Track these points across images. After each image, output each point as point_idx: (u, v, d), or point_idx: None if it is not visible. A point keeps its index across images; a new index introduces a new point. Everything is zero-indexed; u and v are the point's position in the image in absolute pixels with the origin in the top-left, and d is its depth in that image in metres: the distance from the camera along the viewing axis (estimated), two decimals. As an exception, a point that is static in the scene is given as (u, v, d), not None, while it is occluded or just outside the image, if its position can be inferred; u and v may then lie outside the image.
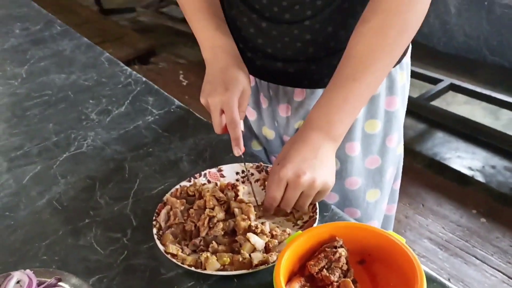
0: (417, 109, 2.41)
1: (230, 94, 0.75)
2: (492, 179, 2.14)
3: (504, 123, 2.44)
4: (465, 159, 2.28)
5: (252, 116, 0.98)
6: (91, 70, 1.28)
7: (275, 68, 0.85)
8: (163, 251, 0.68)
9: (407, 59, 0.90)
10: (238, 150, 0.75)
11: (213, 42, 0.81)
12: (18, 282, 0.55)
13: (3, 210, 0.83)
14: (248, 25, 0.83)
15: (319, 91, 0.86)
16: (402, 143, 0.98)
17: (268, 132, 0.97)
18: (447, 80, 2.51)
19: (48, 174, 0.91)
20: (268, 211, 0.72)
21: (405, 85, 0.91)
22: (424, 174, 2.19)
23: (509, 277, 1.66)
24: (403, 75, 0.88)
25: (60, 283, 0.56)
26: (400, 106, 0.90)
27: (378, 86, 0.74)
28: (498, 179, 2.14)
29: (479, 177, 2.15)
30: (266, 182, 0.80)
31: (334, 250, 0.61)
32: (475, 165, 2.23)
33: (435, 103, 2.48)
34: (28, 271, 0.56)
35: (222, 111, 0.76)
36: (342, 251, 0.61)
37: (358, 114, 0.74)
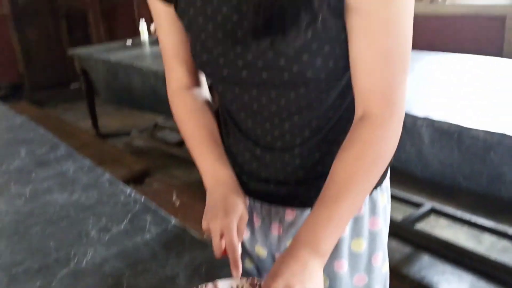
0: (402, 232, 2.48)
1: (229, 220, 0.82)
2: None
3: (487, 247, 2.50)
4: (452, 282, 2.29)
5: (245, 234, 1.04)
6: (93, 189, 1.36)
7: (268, 190, 0.94)
8: None
9: (387, 182, 1.00)
10: (236, 272, 0.80)
11: (214, 172, 0.91)
12: None
13: (1, 325, 0.84)
14: (244, 152, 0.94)
15: (308, 211, 0.94)
16: (387, 262, 1.03)
17: (261, 250, 1.03)
18: (428, 204, 2.62)
19: (47, 290, 0.93)
20: (261, 324, 0.76)
21: (386, 206, 0.99)
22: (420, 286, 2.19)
23: None
24: (383, 197, 0.98)
25: None
26: (383, 226, 0.98)
27: (359, 206, 0.82)
28: (486, 303, 2.14)
29: (468, 302, 2.15)
30: (259, 297, 0.84)
31: None
32: (463, 290, 2.24)
33: (420, 226, 2.56)
34: None
35: (222, 236, 0.83)
36: None
37: (342, 232, 0.81)
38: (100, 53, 3.76)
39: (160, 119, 4.64)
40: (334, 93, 0.84)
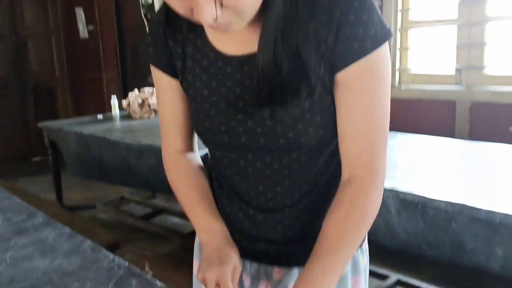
0: (370, 304, 2.51)
1: (224, 269, 0.88)
2: None
3: (452, 319, 2.57)
4: None
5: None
6: (75, 256, 1.37)
7: (258, 248, 1.01)
8: None
9: (366, 245, 1.08)
10: None
11: (209, 227, 0.97)
12: None
13: None
14: (237, 212, 1.01)
15: (295, 270, 1.00)
16: (368, 321, 1.09)
17: (250, 309, 1.07)
18: (394, 276, 2.70)
19: None
20: None
21: (366, 267, 1.07)
22: None
23: None
24: (364, 258, 1.06)
25: None
26: (363, 285, 1.05)
27: (348, 260, 0.90)
28: None
29: None
30: None
31: None
32: None
33: (386, 298, 2.61)
34: None
35: (217, 285, 0.88)
36: None
37: (334, 283, 0.88)
38: (71, 126, 3.81)
39: (125, 192, 4.62)
40: (321, 159, 0.94)
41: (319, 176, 0.96)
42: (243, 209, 1.01)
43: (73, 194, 4.80)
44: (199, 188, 1.04)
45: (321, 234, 0.88)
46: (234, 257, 0.92)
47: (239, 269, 0.92)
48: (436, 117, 3.22)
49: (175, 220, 4.11)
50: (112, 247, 2.44)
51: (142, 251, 2.78)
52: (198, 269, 0.92)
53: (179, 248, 3.60)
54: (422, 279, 2.74)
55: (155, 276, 1.22)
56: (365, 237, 1.07)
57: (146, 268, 2.46)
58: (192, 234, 1.26)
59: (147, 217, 4.09)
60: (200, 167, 1.08)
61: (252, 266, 1.04)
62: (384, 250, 2.17)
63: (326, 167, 0.97)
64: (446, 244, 1.69)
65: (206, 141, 0.99)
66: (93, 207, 4.34)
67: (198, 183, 1.05)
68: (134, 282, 1.21)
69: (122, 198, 4.53)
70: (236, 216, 1.02)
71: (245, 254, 1.04)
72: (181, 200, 1.05)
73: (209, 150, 1.03)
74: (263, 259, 1.03)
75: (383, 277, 2.71)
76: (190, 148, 1.09)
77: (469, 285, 2.78)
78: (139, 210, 4.34)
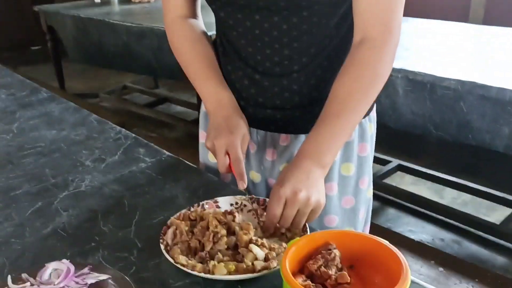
0: (370, 187, 2.59)
1: (234, 137, 0.87)
2: (441, 251, 2.29)
3: (448, 201, 2.66)
4: (416, 232, 2.44)
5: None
6: (81, 127, 1.37)
7: (265, 115, 0.99)
8: (173, 262, 0.75)
9: (374, 113, 1.07)
10: (243, 184, 0.86)
11: (216, 95, 0.95)
12: (55, 270, 0.60)
13: (9, 237, 0.87)
14: (242, 78, 0.98)
15: (302, 137, 1.00)
16: (371, 188, 1.11)
17: (255, 176, 1.08)
18: (395, 161, 2.75)
19: (50, 209, 0.96)
20: (268, 229, 0.82)
21: (373, 135, 1.07)
22: (384, 233, 2.32)
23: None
24: (371, 126, 1.05)
25: (93, 272, 0.61)
26: (370, 153, 1.05)
27: (356, 124, 0.89)
28: (447, 250, 2.30)
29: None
30: (258, 211, 0.90)
31: (329, 251, 0.71)
32: (425, 238, 2.39)
33: (387, 182, 2.69)
34: (64, 260, 0.61)
35: (226, 152, 0.87)
36: (336, 252, 0.71)
37: (340, 147, 0.88)
38: (68, 9, 3.66)
39: (128, 81, 4.58)
40: (332, 21, 0.89)
41: (328, 39, 0.92)
42: (248, 75, 0.97)
43: (76, 83, 4.77)
44: (205, 55, 1.00)
45: (330, 96, 0.86)
46: (243, 126, 0.91)
47: (247, 138, 0.91)
48: (450, 1, 3.07)
49: (179, 108, 4.12)
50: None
51: (149, 133, 2.81)
52: (207, 137, 0.91)
53: (184, 134, 3.65)
54: (423, 165, 2.80)
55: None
56: (373, 104, 1.05)
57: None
58: (197, 121, 1.24)
59: (150, 105, 4.09)
60: (204, 33, 1.03)
61: (258, 134, 1.03)
62: (389, 132, 2.19)
63: (336, 30, 0.92)
64: (452, 124, 1.69)
65: (211, 0, 0.92)
66: (96, 95, 4.33)
67: (203, 50, 1.00)
68: (142, 150, 1.22)
69: (124, 87, 4.50)
70: (241, 82, 0.99)
71: (251, 122, 1.03)
72: (186, 68, 1.02)
73: (213, 11, 0.97)
74: (270, 126, 1.02)
75: (384, 162, 2.77)
76: (193, 14, 1.03)
77: (469, 171, 2.86)
78: (142, 99, 4.33)
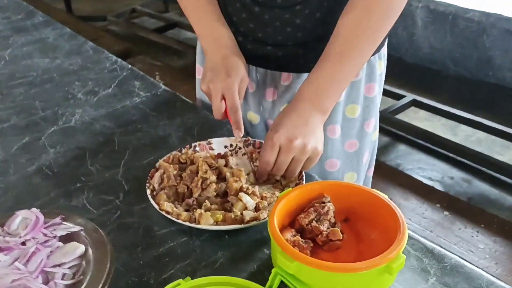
0: (381, 122, 2.51)
1: (231, 81, 0.80)
2: (450, 189, 2.25)
3: (461, 139, 2.59)
4: (425, 170, 2.39)
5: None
6: (76, 56, 1.30)
7: (265, 52, 0.91)
8: (157, 209, 0.71)
9: (385, 50, 0.97)
10: (239, 133, 0.79)
11: (214, 33, 0.86)
12: (25, 219, 0.56)
13: (-8, 174, 0.84)
14: (240, 10, 0.89)
15: (305, 75, 0.91)
16: (378, 130, 1.04)
17: (253, 117, 1.02)
18: (410, 96, 2.65)
19: (37, 145, 0.92)
20: (261, 176, 0.77)
21: (382, 74, 0.98)
22: (392, 173, 2.30)
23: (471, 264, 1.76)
24: (381, 64, 0.96)
25: (65, 222, 0.58)
26: (378, 93, 0.97)
27: (361, 66, 0.80)
28: (456, 189, 2.26)
29: (439, 187, 2.26)
30: (253, 155, 0.85)
31: (323, 204, 0.66)
32: (435, 176, 2.35)
33: (400, 117, 2.60)
34: (34, 209, 0.58)
35: (222, 97, 0.80)
36: (330, 205, 0.66)
37: (343, 90, 0.80)
38: None
39: (137, 4, 4.41)
40: None
41: None
42: (247, 7, 0.87)
43: (83, 4, 4.61)
44: None
45: (335, 32, 0.77)
46: (241, 68, 0.83)
47: (246, 81, 0.84)
48: None
49: (189, 34, 3.98)
50: (123, 56, 2.38)
51: (154, 61, 2.72)
52: (202, 80, 0.84)
53: (192, 62, 3.54)
54: (438, 101, 2.69)
55: (165, 85, 1.15)
56: (384, 39, 0.95)
57: (157, 78, 2.43)
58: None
59: (159, 31, 3.95)
60: None
61: (257, 72, 0.95)
62: (404, 67, 2.08)
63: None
64: (473, 60, 1.58)
65: None
66: (104, 18, 4.18)
67: None
68: (137, 83, 1.16)
69: (133, 10, 4.33)
70: (239, 15, 0.90)
71: (250, 59, 0.94)
72: (183, 4, 0.92)
73: None
74: (270, 64, 0.93)
75: (398, 97, 2.66)
76: None
77: (485, 108, 2.75)
78: (152, 23, 4.19)
